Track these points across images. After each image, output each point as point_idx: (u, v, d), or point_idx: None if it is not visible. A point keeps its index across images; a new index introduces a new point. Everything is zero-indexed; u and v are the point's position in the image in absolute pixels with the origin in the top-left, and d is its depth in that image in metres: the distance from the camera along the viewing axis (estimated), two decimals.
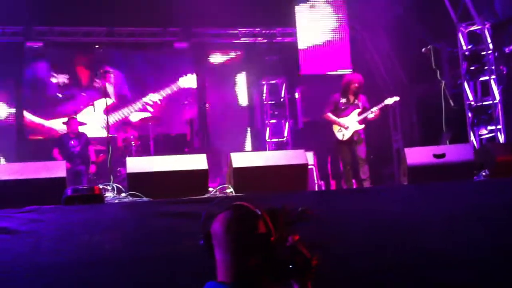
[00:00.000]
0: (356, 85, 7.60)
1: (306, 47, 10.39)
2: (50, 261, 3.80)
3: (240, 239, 1.97)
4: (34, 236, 4.05)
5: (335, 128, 7.66)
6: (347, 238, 4.08)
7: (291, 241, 2.04)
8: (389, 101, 7.67)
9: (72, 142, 8.91)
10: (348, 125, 7.56)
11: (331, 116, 7.71)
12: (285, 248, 2.02)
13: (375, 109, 7.62)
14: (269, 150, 10.45)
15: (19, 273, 3.73)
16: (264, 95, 11.23)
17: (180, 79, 11.06)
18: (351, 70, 9.99)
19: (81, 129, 9.38)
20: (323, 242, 3.56)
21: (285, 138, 11.05)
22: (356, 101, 7.68)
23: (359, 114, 7.61)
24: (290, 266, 1.97)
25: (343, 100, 7.69)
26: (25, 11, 9.53)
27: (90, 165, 8.90)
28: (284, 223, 2.06)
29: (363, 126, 7.62)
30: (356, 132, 7.58)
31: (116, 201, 5.42)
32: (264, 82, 11.25)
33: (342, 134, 7.59)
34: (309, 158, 8.45)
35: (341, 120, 7.61)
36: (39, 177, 5.24)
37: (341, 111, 7.66)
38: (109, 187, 5.84)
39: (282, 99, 11.24)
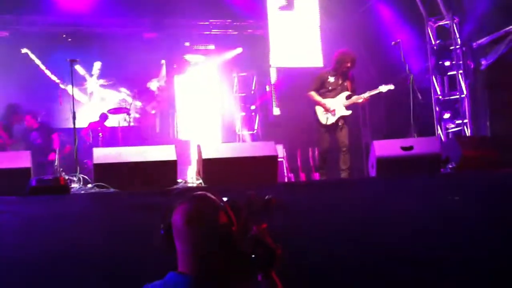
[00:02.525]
0: (349, 64, 7.01)
1: (277, 40, 10.36)
2: (15, 255, 3.72)
3: (200, 230, 1.95)
4: None
5: (319, 109, 7.05)
6: (308, 230, 4.08)
7: (255, 231, 2.03)
8: (384, 88, 7.14)
9: (33, 134, 8.75)
10: (334, 109, 6.98)
11: (315, 96, 7.06)
12: (249, 238, 2.00)
13: (367, 95, 7.11)
14: (239, 142, 10.42)
15: None
16: (235, 87, 11.20)
17: (149, 83, 10.92)
18: (322, 65, 9.98)
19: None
20: (286, 233, 3.55)
21: (255, 130, 11.05)
22: (346, 83, 7.10)
23: (347, 97, 7.06)
24: (253, 256, 1.96)
25: (331, 79, 7.08)
26: None
27: (49, 153, 8.65)
28: (248, 213, 2.05)
29: (350, 112, 7.07)
30: (341, 117, 7.02)
31: (82, 192, 5.35)
32: (235, 75, 11.21)
33: (326, 118, 7.00)
34: (279, 151, 8.45)
35: (327, 102, 7.00)
36: (2, 167, 5.13)
37: (328, 91, 7.07)
38: (75, 178, 5.75)
39: (252, 92, 11.24)
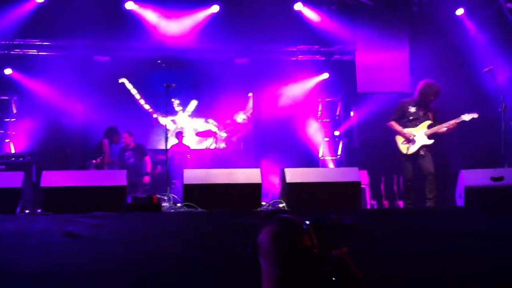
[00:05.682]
0: (432, 97, 6.97)
1: (364, 65, 10.31)
2: (112, 267, 4.00)
3: (284, 250, 2.06)
4: (96, 241, 4.28)
5: (399, 139, 7.02)
6: (387, 257, 4.07)
7: (337, 255, 2.11)
8: (467, 117, 6.92)
9: (127, 153, 9.25)
10: (415, 138, 6.93)
11: (395, 125, 7.04)
12: (330, 261, 2.09)
13: (449, 124, 6.95)
14: (322, 167, 10.47)
15: (81, 278, 3.94)
16: (320, 112, 11.29)
17: (235, 115, 11.36)
18: (409, 90, 9.83)
19: None
20: (366, 258, 3.59)
21: (338, 156, 11.05)
22: (428, 113, 7.02)
23: (429, 126, 6.97)
24: (334, 278, 2.04)
25: (412, 109, 7.02)
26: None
27: (144, 176, 9.15)
28: (330, 236, 2.14)
29: (432, 141, 6.92)
30: (423, 146, 6.93)
31: (172, 210, 5.62)
32: (320, 99, 11.31)
33: (407, 147, 6.94)
34: (363, 177, 8.42)
35: (407, 131, 6.96)
36: (101, 184, 5.51)
37: (408, 121, 7.01)
38: (165, 197, 6.05)
39: (337, 117, 11.27)
